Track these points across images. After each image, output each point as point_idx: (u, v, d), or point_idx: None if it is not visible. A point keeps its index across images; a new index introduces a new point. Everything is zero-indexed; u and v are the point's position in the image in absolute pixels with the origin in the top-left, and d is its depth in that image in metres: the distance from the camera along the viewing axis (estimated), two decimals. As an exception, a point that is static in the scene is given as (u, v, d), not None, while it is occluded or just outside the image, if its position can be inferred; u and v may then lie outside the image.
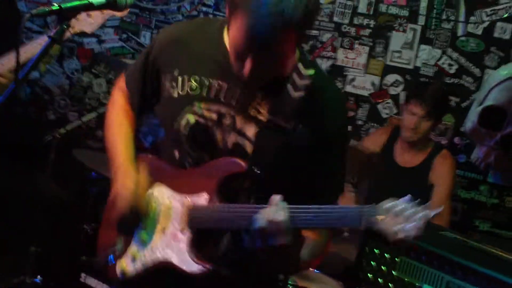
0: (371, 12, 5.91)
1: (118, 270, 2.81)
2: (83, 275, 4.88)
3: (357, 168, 5.07)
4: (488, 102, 4.08)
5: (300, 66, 2.59)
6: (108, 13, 4.01)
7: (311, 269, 4.45)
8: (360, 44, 5.94)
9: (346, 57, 5.97)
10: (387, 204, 2.27)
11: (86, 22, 4.02)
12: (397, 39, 5.86)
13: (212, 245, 2.66)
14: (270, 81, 2.54)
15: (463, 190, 5.66)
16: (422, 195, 4.97)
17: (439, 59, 5.75)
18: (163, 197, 2.77)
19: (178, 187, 2.74)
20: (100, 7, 2.71)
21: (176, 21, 6.32)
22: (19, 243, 5.07)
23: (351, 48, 5.96)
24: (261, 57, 2.40)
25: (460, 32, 5.71)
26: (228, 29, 2.48)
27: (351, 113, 5.94)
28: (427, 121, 4.93)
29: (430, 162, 5.10)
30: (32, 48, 4.13)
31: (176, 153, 2.79)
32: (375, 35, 5.91)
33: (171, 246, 2.68)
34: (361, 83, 5.93)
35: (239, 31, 2.35)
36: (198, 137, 2.69)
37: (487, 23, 5.63)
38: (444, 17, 5.73)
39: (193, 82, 2.68)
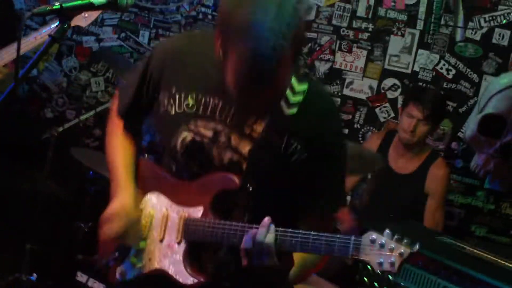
0: (370, 16, 5.91)
1: (117, 273, 2.86)
2: (79, 273, 4.88)
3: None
4: (488, 110, 4.09)
5: (294, 82, 2.62)
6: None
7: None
8: (358, 47, 5.95)
9: (344, 60, 5.98)
10: (372, 236, 2.34)
11: (80, 17, 4.02)
12: (395, 43, 5.87)
13: (207, 258, 2.72)
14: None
15: (460, 196, 5.67)
16: (416, 202, 5.01)
17: (437, 64, 5.76)
18: (161, 205, 2.82)
19: (176, 198, 2.79)
20: (100, 7, 2.72)
21: (175, 20, 6.32)
22: (15, 240, 5.07)
23: (349, 51, 5.97)
24: (262, 88, 2.39)
25: (458, 37, 5.73)
26: (222, 60, 2.44)
27: (348, 117, 5.95)
28: (425, 125, 4.94)
29: (425, 170, 5.10)
30: (26, 44, 4.14)
31: (173, 167, 2.83)
32: (373, 38, 5.92)
33: (168, 256, 2.74)
34: (359, 86, 5.94)
35: (236, 69, 2.35)
36: (194, 154, 2.72)
37: (485, 29, 5.64)
38: (442, 22, 5.74)
39: (190, 99, 2.70)
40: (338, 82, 5.97)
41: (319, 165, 2.66)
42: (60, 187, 5.23)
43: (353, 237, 2.36)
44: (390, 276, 2.72)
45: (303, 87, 2.64)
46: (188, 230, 2.70)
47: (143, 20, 6.39)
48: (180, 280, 2.67)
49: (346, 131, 5.92)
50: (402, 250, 2.30)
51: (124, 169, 2.92)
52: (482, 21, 5.65)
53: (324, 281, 4.48)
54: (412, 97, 5.04)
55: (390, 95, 5.88)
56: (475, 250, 3.68)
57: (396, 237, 2.33)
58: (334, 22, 5.98)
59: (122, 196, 2.83)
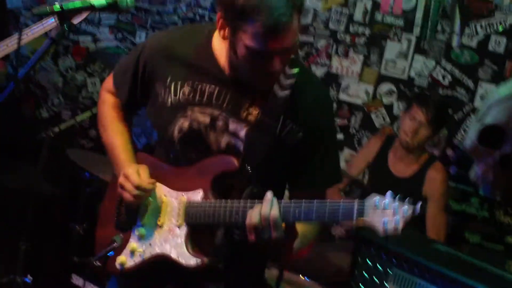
0: (367, 21, 5.92)
1: (117, 263, 2.88)
2: (74, 275, 4.87)
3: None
4: (488, 120, 4.09)
5: (287, 68, 2.72)
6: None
7: (301, 277, 4.47)
8: (355, 52, 5.96)
9: (341, 65, 5.99)
10: (375, 198, 2.40)
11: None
12: (391, 48, 5.88)
13: (207, 239, 2.74)
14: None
15: (454, 202, 5.67)
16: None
17: (433, 70, 5.77)
18: (160, 193, 2.86)
19: (174, 185, 2.84)
20: (101, 9, 2.73)
21: (172, 22, 6.33)
22: (9, 241, 5.06)
23: (346, 56, 5.98)
24: (286, 50, 2.57)
25: (454, 43, 5.73)
26: (231, 45, 2.62)
27: (344, 121, 5.96)
28: (427, 129, 4.96)
29: (423, 174, 5.12)
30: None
31: (171, 156, 2.89)
32: (370, 43, 5.93)
33: (169, 240, 2.78)
34: (355, 91, 5.95)
35: (257, 40, 2.50)
36: (192, 141, 2.79)
37: (481, 35, 5.64)
38: (439, 28, 5.75)
39: (186, 87, 2.79)
40: (334, 86, 5.98)
41: (313, 143, 2.78)
42: (54, 187, 5.23)
43: (356, 200, 2.42)
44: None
45: (295, 70, 2.74)
46: (189, 213, 2.75)
47: (140, 21, 6.40)
48: (183, 262, 2.72)
49: (341, 136, 5.93)
50: (405, 209, 2.35)
51: (124, 150, 2.99)
52: (478, 27, 5.65)
53: (320, 287, 4.49)
54: (416, 100, 5.04)
55: (386, 100, 5.88)
56: (471, 258, 3.69)
57: (398, 196, 2.40)
58: (331, 26, 6.00)
59: (130, 167, 2.86)
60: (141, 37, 6.40)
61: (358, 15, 5.93)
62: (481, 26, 5.63)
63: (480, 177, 4.48)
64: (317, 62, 6.01)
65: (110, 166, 4.74)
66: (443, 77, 5.75)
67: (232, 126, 2.76)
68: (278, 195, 2.60)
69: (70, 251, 5.15)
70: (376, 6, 5.89)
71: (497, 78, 5.57)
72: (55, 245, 5.56)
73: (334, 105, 5.95)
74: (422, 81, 5.79)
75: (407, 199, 2.39)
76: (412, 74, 5.82)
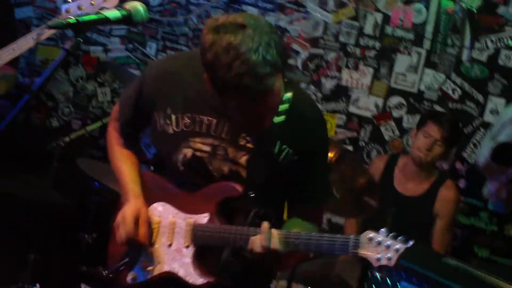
0: (377, 34, 5.93)
1: (128, 278, 3.03)
2: (83, 285, 4.87)
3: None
4: (501, 138, 4.11)
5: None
6: (99, 5, 4.05)
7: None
8: (365, 65, 5.97)
9: (351, 78, 5.99)
10: (369, 235, 2.53)
11: (77, 15, 4.05)
12: (401, 61, 5.89)
13: (214, 259, 2.85)
14: None
15: (463, 216, 5.66)
16: (425, 224, 5.02)
17: (443, 84, 5.77)
18: (168, 214, 3.00)
19: (181, 207, 2.99)
20: (116, 22, 2.75)
21: (182, 33, 6.34)
22: (18, 250, 5.07)
23: (356, 68, 5.99)
24: (272, 109, 2.71)
25: (464, 57, 5.74)
26: (221, 100, 2.67)
27: (353, 134, 5.97)
28: (441, 146, 4.96)
29: (435, 193, 5.11)
30: (22, 45, 4.16)
31: (176, 180, 3.05)
32: (380, 56, 5.94)
33: (177, 260, 2.92)
34: (365, 104, 5.96)
35: (242, 107, 2.62)
36: (196, 168, 2.94)
37: (492, 50, 5.66)
38: (449, 42, 5.76)
39: (186, 119, 2.91)
40: (343, 99, 5.98)
41: (307, 165, 2.92)
42: (64, 197, 5.22)
43: (352, 236, 2.55)
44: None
45: (288, 95, 2.83)
46: (196, 235, 2.89)
47: (151, 32, 6.42)
48: (190, 281, 2.86)
49: (351, 148, 5.93)
50: (398, 246, 2.48)
51: (131, 180, 3.10)
52: (489, 42, 5.67)
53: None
54: (431, 117, 5.04)
55: (395, 113, 5.89)
56: (481, 273, 3.68)
57: (391, 234, 2.51)
58: (341, 39, 6.00)
59: (135, 201, 2.99)
60: (151, 47, 6.41)
61: (368, 28, 5.95)
62: (492, 41, 5.65)
63: (493, 194, 4.49)
64: (327, 75, 6.02)
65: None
66: (453, 91, 5.75)
67: (231, 154, 2.89)
68: (278, 213, 2.84)
69: (79, 260, 5.16)
70: (386, 19, 5.90)
71: (507, 92, 5.59)
72: (64, 254, 5.56)
73: (344, 117, 5.96)
74: (432, 94, 5.80)
75: (399, 237, 2.50)
76: (422, 87, 5.83)
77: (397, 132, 5.89)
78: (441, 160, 5.30)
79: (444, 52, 5.78)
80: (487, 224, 5.68)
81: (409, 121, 5.81)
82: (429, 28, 5.81)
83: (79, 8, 4.02)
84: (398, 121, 5.89)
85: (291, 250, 2.67)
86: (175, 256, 2.93)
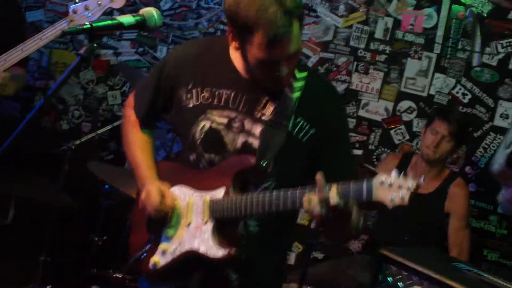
0: (387, 38, 5.95)
1: (150, 263, 3.07)
2: (93, 287, 4.90)
3: None
4: (515, 145, 4.12)
5: (295, 71, 2.97)
6: (106, 5, 4.08)
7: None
8: (375, 69, 5.98)
9: (361, 82, 6.01)
10: (381, 178, 2.56)
11: (84, 15, 4.07)
12: (412, 66, 5.90)
13: (232, 232, 2.96)
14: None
15: (473, 219, 5.67)
16: (436, 221, 5.02)
17: (453, 88, 5.78)
18: (185, 195, 3.06)
19: (197, 186, 3.04)
20: (130, 27, 2.78)
21: (193, 37, 6.36)
22: (29, 252, 5.08)
23: (366, 72, 6.00)
24: (291, 57, 2.81)
25: (475, 62, 5.75)
26: (243, 55, 2.88)
27: (363, 138, 5.98)
28: (449, 142, 4.97)
29: (445, 190, 5.11)
30: (31, 45, 4.18)
31: (192, 157, 3.10)
32: (390, 61, 5.95)
33: (197, 237, 2.97)
34: (375, 108, 5.97)
35: (262, 50, 2.74)
36: (211, 141, 3.03)
37: (502, 54, 5.67)
38: (459, 46, 5.77)
39: (205, 93, 3.03)
40: (353, 103, 6.00)
41: (327, 138, 2.98)
42: (75, 200, 5.25)
43: (364, 181, 2.58)
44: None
45: (304, 74, 2.99)
46: (213, 209, 2.94)
47: (161, 35, 6.44)
48: (211, 255, 2.89)
49: (360, 152, 5.94)
50: (410, 184, 2.54)
51: (148, 166, 3.22)
52: (499, 46, 5.68)
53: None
54: (438, 115, 5.06)
55: (405, 117, 5.90)
56: (492, 277, 3.68)
57: (402, 174, 2.56)
58: (351, 43, 6.02)
59: (149, 187, 3.07)
60: (162, 51, 6.43)
61: (378, 33, 5.96)
62: (502, 46, 5.65)
63: (508, 201, 4.49)
64: (337, 79, 6.03)
65: (130, 179, 4.79)
66: (463, 95, 5.76)
67: (247, 126, 2.97)
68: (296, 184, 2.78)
69: (89, 263, 5.18)
70: (397, 24, 5.91)
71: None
72: (75, 256, 5.58)
73: (353, 121, 5.97)
74: (442, 99, 5.81)
75: (410, 175, 2.56)
76: (432, 91, 5.83)
77: (407, 136, 5.90)
78: (449, 156, 5.29)
79: (454, 56, 5.79)
80: (496, 228, 5.68)
81: (419, 125, 5.81)
82: (440, 33, 5.82)
83: (86, 8, 4.06)
84: (408, 125, 5.89)
85: (344, 203, 2.63)
86: (194, 234, 2.97)
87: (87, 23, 2.68)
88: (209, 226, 2.93)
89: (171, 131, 6.10)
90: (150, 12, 2.78)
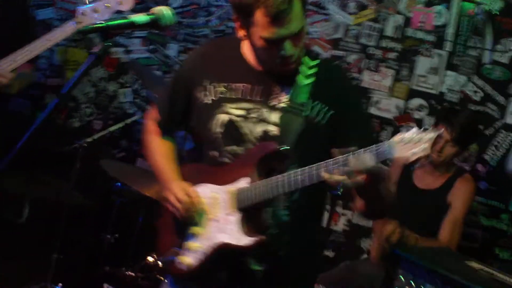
0: (398, 36, 5.94)
1: (180, 263, 3.11)
2: (105, 285, 4.91)
3: None
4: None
5: (306, 59, 3.08)
6: (114, 8, 4.09)
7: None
8: (386, 67, 5.97)
9: (372, 79, 6.00)
10: (399, 136, 2.61)
11: (92, 17, 4.08)
12: (423, 63, 5.89)
13: (259, 221, 3.00)
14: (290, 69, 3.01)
15: (484, 218, 5.66)
16: (441, 215, 5.00)
17: (464, 86, 5.77)
18: (209, 192, 3.11)
19: (220, 181, 3.09)
20: (143, 26, 2.79)
21: (203, 34, 6.36)
22: (42, 251, 5.10)
23: (377, 70, 6.00)
24: (294, 35, 2.88)
25: (486, 59, 5.74)
26: (251, 41, 2.98)
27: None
28: (452, 147, 4.95)
29: (451, 184, 5.10)
30: (40, 46, 4.19)
31: (212, 154, 3.16)
32: (401, 58, 5.94)
33: (224, 230, 3.00)
34: (386, 106, 5.96)
35: (265, 29, 2.85)
36: (231, 133, 3.08)
37: (513, 52, 5.66)
38: (470, 44, 5.75)
39: (221, 88, 3.11)
40: (364, 100, 5.99)
41: (346, 116, 3.03)
42: (86, 198, 5.26)
43: (385, 142, 2.64)
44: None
45: (316, 61, 3.09)
46: (239, 199, 2.99)
47: (171, 33, 6.44)
48: (240, 244, 2.93)
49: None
50: (429, 136, 2.57)
51: (170, 169, 3.29)
52: (510, 44, 5.66)
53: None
54: (442, 118, 5.04)
55: (416, 115, 5.89)
56: (505, 276, 3.69)
57: (421, 129, 2.60)
58: (362, 41, 6.01)
59: (174, 191, 3.13)
60: (172, 49, 6.44)
61: (389, 30, 5.95)
62: (513, 43, 5.65)
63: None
64: (348, 76, 6.02)
65: (142, 177, 4.81)
66: (475, 92, 5.75)
67: (264, 115, 3.04)
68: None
69: (101, 261, 5.20)
70: (407, 21, 5.91)
71: (529, 95, 5.59)
72: (87, 254, 5.60)
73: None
74: (453, 96, 5.80)
75: (429, 129, 2.60)
76: (443, 89, 5.83)
77: (418, 134, 5.87)
78: (456, 157, 5.28)
79: (465, 54, 5.78)
80: (508, 226, 5.66)
81: (430, 123, 5.79)
82: (450, 30, 5.81)
83: (94, 11, 4.06)
84: (419, 123, 5.88)
85: (376, 164, 2.68)
86: (222, 227, 3.00)
87: (101, 22, 2.69)
88: (236, 216, 2.98)
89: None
90: (163, 10, 2.79)
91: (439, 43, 5.85)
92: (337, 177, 2.68)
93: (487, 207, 5.68)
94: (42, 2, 6.61)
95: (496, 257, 5.65)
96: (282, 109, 3.02)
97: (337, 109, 3.03)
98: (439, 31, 5.84)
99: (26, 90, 6.10)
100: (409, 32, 5.92)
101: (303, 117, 2.98)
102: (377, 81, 5.99)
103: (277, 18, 2.80)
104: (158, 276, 4.87)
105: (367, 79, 6.00)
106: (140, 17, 2.76)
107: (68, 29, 4.15)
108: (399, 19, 5.93)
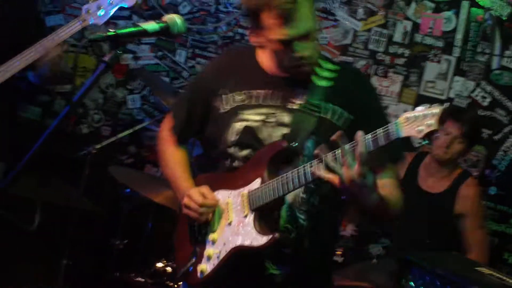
0: (407, 42, 5.95)
1: (197, 272, 3.11)
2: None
3: None
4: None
5: (323, 62, 3.12)
6: (117, 3, 4.10)
7: None
8: (394, 72, 5.98)
9: (380, 85, 6.00)
10: (405, 114, 2.59)
11: (96, 16, 4.10)
12: (431, 69, 5.90)
13: (274, 220, 2.99)
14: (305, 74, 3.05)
15: (493, 223, 5.66)
16: (445, 221, 5.00)
17: (472, 91, 5.78)
18: (223, 198, 3.12)
19: (233, 186, 3.09)
20: (154, 34, 2.80)
21: (212, 41, 6.37)
22: (51, 256, 5.11)
23: (385, 76, 6.00)
24: (304, 37, 2.91)
25: (494, 65, 5.75)
26: (268, 46, 3.02)
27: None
28: (460, 143, 4.95)
29: (456, 190, 5.09)
30: (48, 45, 4.20)
31: (227, 162, 3.17)
32: (409, 64, 5.95)
33: (239, 233, 2.99)
34: (394, 111, 5.96)
35: (275, 30, 2.89)
36: (247, 139, 3.07)
37: (522, 57, 5.67)
38: (479, 49, 5.77)
39: (240, 95, 3.12)
40: (385, 106, 5.98)
41: (366, 122, 2.88)
42: (95, 204, 5.27)
43: (391, 123, 2.62)
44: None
45: (336, 66, 3.14)
46: (252, 200, 2.98)
47: (180, 40, 6.44)
48: (256, 244, 2.90)
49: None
50: (434, 111, 2.53)
51: (185, 179, 3.30)
52: (519, 49, 5.68)
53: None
54: (450, 115, 5.05)
55: (425, 120, 5.88)
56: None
57: (426, 106, 2.56)
58: (370, 46, 6.02)
59: (192, 189, 3.16)
60: (181, 55, 6.44)
61: (397, 36, 5.96)
62: (522, 49, 5.66)
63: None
64: (356, 82, 6.02)
65: (150, 183, 4.81)
66: (483, 98, 5.75)
67: (282, 119, 3.04)
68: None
69: (111, 266, 5.20)
70: (416, 27, 5.92)
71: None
72: (96, 261, 5.61)
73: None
74: (461, 102, 5.80)
75: (433, 104, 2.56)
76: (452, 95, 5.83)
77: (426, 139, 5.87)
78: (461, 157, 5.28)
79: (473, 59, 5.79)
80: (518, 231, 5.68)
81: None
82: (459, 36, 5.82)
83: (98, 7, 4.08)
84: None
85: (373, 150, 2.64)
86: (237, 231, 3.00)
87: (112, 31, 2.70)
88: (250, 218, 2.97)
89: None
90: (174, 18, 2.79)
91: (447, 49, 5.86)
92: (334, 165, 2.67)
93: (496, 212, 5.69)
94: (52, 8, 6.62)
95: (505, 262, 5.65)
96: (296, 110, 3.04)
97: (357, 115, 3.05)
98: (447, 37, 5.85)
99: (37, 95, 6.17)
100: (418, 38, 5.93)
101: (316, 117, 3.00)
102: (386, 87, 6.00)
103: (283, 18, 2.85)
104: (167, 282, 4.88)
105: (376, 85, 6.00)
106: (151, 26, 2.77)
107: (74, 27, 4.16)
108: (408, 25, 5.94)
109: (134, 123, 6.26)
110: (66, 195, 5.14)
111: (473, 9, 5.77)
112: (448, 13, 5.84)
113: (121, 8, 4.19)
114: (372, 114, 3.07)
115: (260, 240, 2.89)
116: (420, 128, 2.54)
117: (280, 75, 3.09)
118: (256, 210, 2.96)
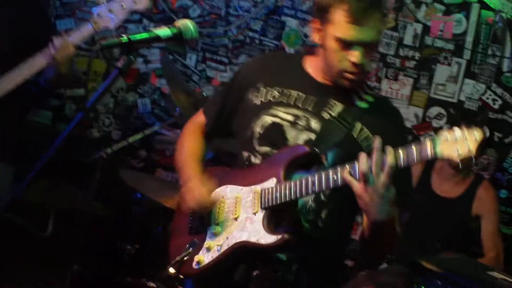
0: (417, 45, 5.95)
1: (194, 262, 3.08)
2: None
3: None
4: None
5: (365, 86, 3.12)
6: (130, 8, 4.10)
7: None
8: (404, 75, 5.98)
9: (390, 88, 6.00)
10: (445, 133, 2.54)
11: (108, 18, 4.10)
12: (441, 72, 5.90)
13: (284, 220, 2.96)
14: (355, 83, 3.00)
15: (504, 226, 5.65)
16: (462, 225, 5.00)
17: (483, 94, 5.77)
18: (232, 192, 3.11)
19: (245, 182, 3.07)
20: (166, 40, 2.81)
21: (222, 44, 6.37)
22: (61, 261, 5.12)
23: (396, 79, 6.00)
24: (367, 44, 2.89)
25: (505, 67, 5.74)
26: (322, 44, 2.99)
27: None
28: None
29: (473, 193, 5.11)
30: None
31: (245, 154, 3.15)
32: (420, 67, 5.95)
33: (246, 229, 2.96)
34: (405, 114, 5.94)
35: (341, 28, 2.87)
36: (271, 134, 3.06)
37: (532, 60, 5.66)
38: (489, 52, 5.76)
39: (275, 92, 3.12)
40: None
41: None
42: (106, 208, 5.27)
43: (428, 139, 2.59)
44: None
45: (374, 95, 3.13)
46: (264, 199, 2.95)
47: (191, 44, 6.45)
48: (263, 242, 2.87)
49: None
50: (475, 135, 2.50)
51: (193, 168, 3.28)
52: (529, 52, 5.68)
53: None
54: (462, 120, 5.05)
55: (435, 123, 5.89)
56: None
57: (465, 128, 2.53)
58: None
59: (194, 186, 3.15)
60: (191, 59, 6.44)
61: (408, 39, 5.96)
62: (532, 51, 5.65)
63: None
64: (367, 85, 6.02)
65: (162, 187, 4.80)
66: (493, 101, 5.75)
67: (313, 125, 3.01)
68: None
69: (122, 271, 5.20)
70: (426, 30, 5.91)
71: None
72: (107, 265, 5.60)
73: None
74: (472, 104, 5.80)
75: (475, 126, 2.53)
76: (462, 97, 5.83)
77: (437, 142, 5.87)
78: (478, 166, 5.28)
79: (484, 62, 5.78)
80: (528, 234, 5.68)
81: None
82: (469, 39, 5.81)
83: (109, 11, 4.08)
84: (438, 131, 5.86)
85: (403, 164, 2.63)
86: (243, 227, 2.97)
87: (125, 37, 2.72)
88: (260, 216, 2.94)
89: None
90: (187, 24, 2.81)
91: (458, 52, 5.85)
92: (369, 170, 2.65)
93: (507, 215, 5.68)
94: (62, 12, 6.63)
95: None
96: (327, 119, 3.01)
97: (382, 145, 2.97)
98: (458, 39, 5.85)
99: (47, 99, 6.19)
100: (428, 40, 5.93)
101: (345, 132, 2.98)
102: (396, 89, 6.00)
103: (355, 19, 2.82)
104: (179, 287, 4.87)
105: (386, 87, 6.01)
106: (164, 31, 2.79)
107: (85, 30, 4.17)
108: (418, 27, 5.94)
109: (145, 127, 6.27)
110: (76, 199, 5.15)
111: (484, 11, 5.76)
112: (459, 16, 5.83)
113: (131, 12, 4.20)
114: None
115: (269, 239, 2.86)
116: (459, 150, 2.50)
117: (322, 82, 3.08)
118: (267, 209, 2.94)
